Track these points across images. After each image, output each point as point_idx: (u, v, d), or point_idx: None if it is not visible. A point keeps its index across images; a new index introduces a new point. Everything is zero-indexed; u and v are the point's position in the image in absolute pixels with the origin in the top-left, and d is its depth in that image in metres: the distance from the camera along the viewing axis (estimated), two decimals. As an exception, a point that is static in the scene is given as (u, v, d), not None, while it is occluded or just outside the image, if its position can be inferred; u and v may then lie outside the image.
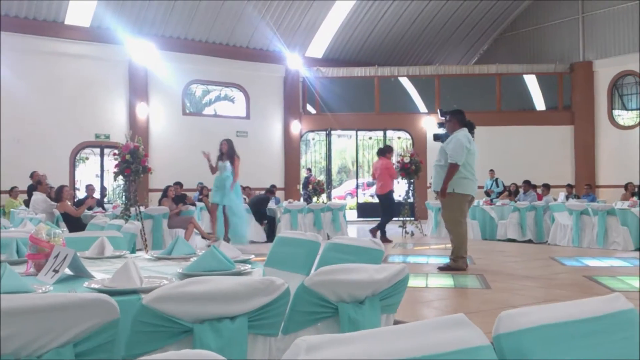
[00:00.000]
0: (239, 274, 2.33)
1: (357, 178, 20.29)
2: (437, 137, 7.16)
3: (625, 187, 12.78)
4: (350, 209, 18.93)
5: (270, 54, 17.30)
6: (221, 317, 1.63)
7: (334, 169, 24.13)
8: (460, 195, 6.43)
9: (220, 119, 16.91)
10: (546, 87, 18.22)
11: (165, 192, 10.23)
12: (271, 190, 12.13)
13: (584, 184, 15.34)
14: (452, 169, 6.39)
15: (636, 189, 12.49)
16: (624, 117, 17.22)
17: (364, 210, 18.75)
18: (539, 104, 18.42)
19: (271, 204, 11.65)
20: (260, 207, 11.16)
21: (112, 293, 1.75)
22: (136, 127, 14.54)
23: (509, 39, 19.88)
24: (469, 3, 18.51)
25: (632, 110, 17.12)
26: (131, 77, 15.30)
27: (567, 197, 11.72)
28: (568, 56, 18.10)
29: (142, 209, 8.58)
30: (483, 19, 19.43)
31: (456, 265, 6.43)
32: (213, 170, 9.01)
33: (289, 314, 1.90)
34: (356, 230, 14.58)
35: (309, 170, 17.32)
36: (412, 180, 12.29)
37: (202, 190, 13.20)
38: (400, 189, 12.74)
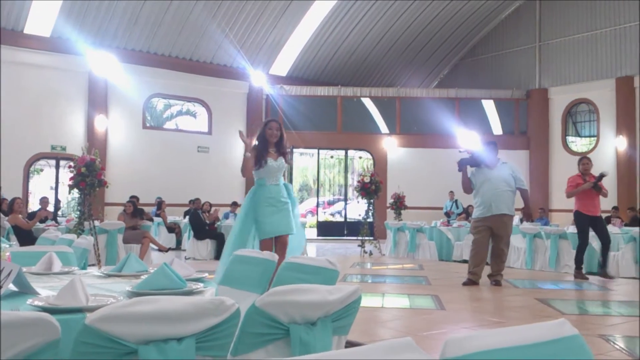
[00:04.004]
0: (190, 293, 2.29)
1: (317, 196, 20.32)
2: (465, 162, 7.35)
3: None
4: (310, 227, 18.92)
5: (234, 70, 17.28)
6: (168, 338, 1.59)
7: (296, 187, 24.14)
8: None
9: (182, 134, 16.75)
10: (503, 112, 18.70)
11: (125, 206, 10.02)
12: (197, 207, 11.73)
13: (538, 208, 15.74)
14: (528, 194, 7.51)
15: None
16: (577, 143, 17.80)
17: (324, 228, 18.77)
18: (497, 128, 18.87)
19: (230, 221, 11.54)
20: (199, 223, 10.91)
21: (56, 311, 1.69)
22: (94, 140, 14.27)
23: (468, 65, 20.37)
24: (431, 28, 18.93)
25: (585, 137, 17.71)
26: (91, 88, 15.04)
27: (521, 220, 11.98)
28: (525, 83, 18.65)
29: (97, 223, 8.38)
30: (444, 44, 19.89)
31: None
32: (248, 169, 5.20)
33: (239, 335, 1.87)
34: (316, 249, 14.57)
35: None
36: (371, 200, 12.39)
37: (160, 204, 13.00)
38: (360, 208, 12.83)
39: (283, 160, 5.28)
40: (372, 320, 4.79)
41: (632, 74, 16.13)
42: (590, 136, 17.45)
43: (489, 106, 18.73)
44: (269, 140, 5.24)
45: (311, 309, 1.95)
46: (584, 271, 8.04)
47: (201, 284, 2.51)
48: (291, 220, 5.17)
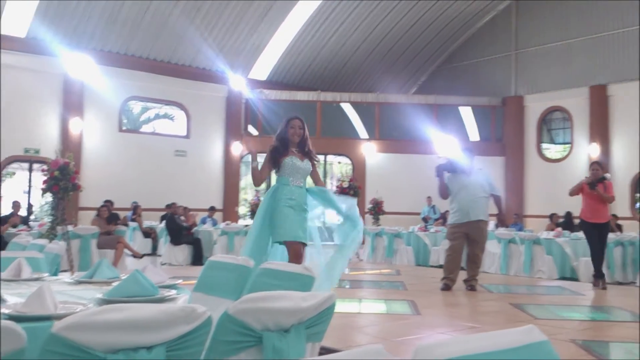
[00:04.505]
0: (162, 300, 2.27)
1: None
2: (443, 168, 7.33)
3: (550, 217, 13.34)
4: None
5: (213, 74, 17.20)
6: (137, 347, 1.57)
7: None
8: None
9: (159, 137, 16.61)
10: (480, 119, 18.91)
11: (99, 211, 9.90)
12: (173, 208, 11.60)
13: (513, 214, 15.93)
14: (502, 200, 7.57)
15: (559, 220, 13.06)
16: (552, 150, 18.06)
17: (302, 233, 18.73)
18: (474, 134, 19.07)
19: (207, 226, 11.47)
20: (176, 228, 10.80)
21: (22, 319, 1.66)
22: (69, 142, 14.06)
23: (446, 71, 20.57)
24: (410, 35, 19.07)
25: (559, 144, 17.98)
26: (66, 90, 14.83)
27: (496, 226, 12.11)
28: (501, 90, 18.88)
29: (70, 228, 8.25)
30: (423, 51, 20.06)
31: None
32: (257, 178, 4.74)
33: (211, 343, 1.85)
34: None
35: (258, 192, 17.24)
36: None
37: (136, 209, 12.85)
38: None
39: (309, 163, 4.75)
40: (348, 326, 4.79)
41: (606, 82, 16.44)
42: (564, 143, 17.72)
43: (466, 113, 18.92)
44: (290, 140, 4.72)
45: (284, 316, 1.94)
46: (606, 280, 7.84)
47: (174, 291, 2.49)
48: (307, 230, 4.61)
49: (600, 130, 16.35)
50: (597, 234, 7.73)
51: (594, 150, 16.33)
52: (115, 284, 2.47)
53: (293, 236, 4.50)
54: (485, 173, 7.48)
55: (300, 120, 4.80)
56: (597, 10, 16.76)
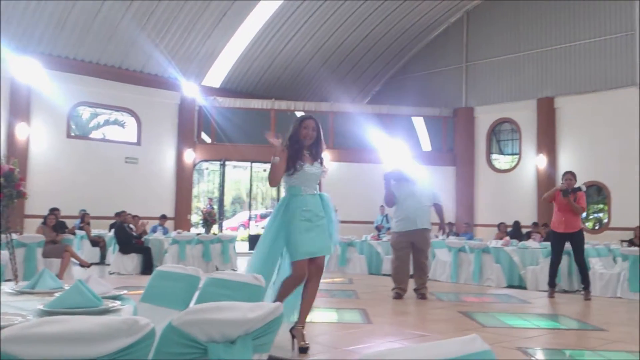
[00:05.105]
0: (106, 311, 2.21)
1: (250, 209, 20.19)
2: (390, 177, 7.30)
3: (499, 226, 13.69)
4: (242, 240, 18.74)
5: (166, 80, 16.95)
6: (77, 361, 1.52)
7: (228, 200, 23.89)
8: None
9: (109, 144, 16.24)
10: (432, 130, 19.28)
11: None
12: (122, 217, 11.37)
13: (463, 223, 16.26)
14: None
15: (508, 229, 13.41)
16: (501, 161, 18.55)
17: (256, 241, 18.54)
18: (425, 145, 19.41)
19: (158, 234, 11.26)
20: (125, 236, 10.58)
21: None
22: (14, 148, 13.60)
23: (399, 82, 20.89)
24: (364, 45, 19.30)
25: (507, 155, 18.49)
26: (12, 95, 14.33)
27: (447, 235, 12.33)
28: (452, 101, 19.30)
29: (15, 236, 7.95)
30: (376, 61, 20.33)
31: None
32: (277, 177, 4.32)
33: (155, 355, 1.82)
34: (247, 263, 14.42)
35: (211, 200, 17.08)
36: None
37: (84, 217, 12.51)
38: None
39: (320, 167, 4.37)
40: (299, 336, 4.77)
41: (553, 95, 17.02)
42: (512, 154, 18.23)
43: (418, 123, 19.24)
44: (303, 142, 4.31)
45: (231, 327, 1.92)
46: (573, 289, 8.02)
47: (118, 302, 2.43)
48: (328, 239, 4.28)
49: (547, 141, 16.90)
50: (564, 244, 7.78)
51: (541, 161, 16.86)
52: (57, 294, 2.40)
53: (313, 252, 4.17)
54: (429, 182, 7.62)
55: (314, 121, 4.37)
56: (545, 25, 17.37)
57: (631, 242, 11.56)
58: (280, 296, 4.15)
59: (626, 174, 15.11)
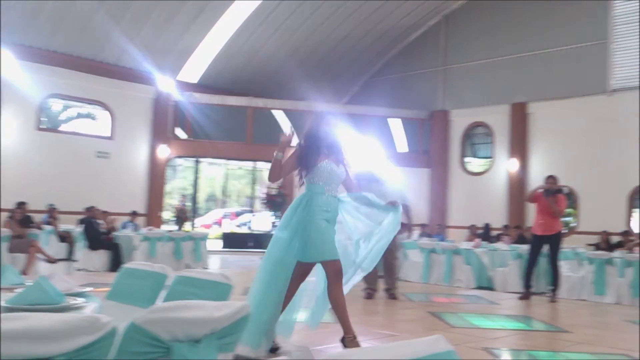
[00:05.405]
0: (68, 309, 2.17)
1: (224, 207, 20.05)
2: (361, 177, 7.22)
3: (470, 228, 13.85)
4: (215, 238, 18.61)
5: (140, 74, 16.72)
6: (35, 358, 1.49)
7: (203, 197, 23.70)
8: None
9: (80, 137, 15.96)
10: (409, 131, 19.41)
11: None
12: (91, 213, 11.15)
13: (436, 224, 16.41)
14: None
15: (478, 231, 13.58)
16: (474, 164, 18.76)
17: (229, 240, 18.51)
18: (402, 146, 19.53)
19: (128, 231, 11.12)
20: (94, 232, 10.42)
21: None
22: (-18, 140, 13.29)
23: (377, 83, 20.97)
24: (344, 46, 19.33)
25: (481, 158, 18.71)
26: (-19, 85, 14.01)
27: (420, 236, 12.44)
28: (429, 104, 19.45)
29: (-22, 229, 7.78)
30: (355, 62, 20.38)
31: None
32: (275, 173, 4.16)
33: (117, 354, 1.79)
34: (220, 261, 14.33)
35: (184, 197, 16.91)
36: (278, 213, 12.39)
37: (52, 212, 12.27)
38: (268, 220, 12.79)
39: (343, 169, 4.08)
40: (268, 335, 4.75)
41: (526, 100, 17.27)
42: (485, 157, 18.45)
43: (395, 124, 19.34)
44: (323, 140, 4.08)
45: (196, 326, 1.90)
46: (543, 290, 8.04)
47: (82, 299, 2.39)
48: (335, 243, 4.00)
49: (520, 146, 17.14)
50: (542, 246, 7.86)
51: (513, 166, 17.09)
52: (19, 290, 2.35)
53: (334, 254, 3.88)
54: (399, 183, 7.67)
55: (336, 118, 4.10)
56: (521, 32, 17.60)
57: (597, 247, 11.80)
58: (339, 308, 3.96)
59: (595, 179, 15.42)
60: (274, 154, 4.04)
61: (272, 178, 4.14)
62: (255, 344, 3.72)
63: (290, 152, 4.13)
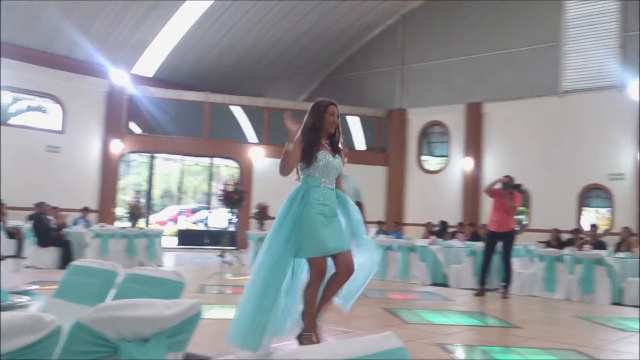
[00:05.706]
0: (11, 307, 2.09)
1: (180, 204, 19.76)
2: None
3: (425, 226, 14.05)
4: (170, 235, 18.33)
5: (93, 67, 16.28)
6: (-27, 360, 1.43)
7: (158, 193, 23.29)
8: None
9: (30, 131, 15.44)
10: (367, 129, 19.53)
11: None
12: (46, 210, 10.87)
13: (393, 222, 16.58)
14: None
15: (434, 229, 13.78)
16: (430, 162, 19.03)
17: (185, 237, 18.28)
18: (360, 144, 19.64)
19: (79, 227, 10.83)
20: (44, 228, 10.12)
21: None
22: None
23: (336, 81, 21.02)
24: (302, 43, 19.28)
25: (437, 156, 19.00)
26: None
27: (377, 233, 12.53)
28: (386, 102, 19.62)
29: None
30: (313, 59, 20.37)
31: None
32: (290, 166, 3.84)
33: (61, 354, 1.73)
34: (175, 258, 14.13)
35: (138, 193, 16.53)
36: (235, 210, 12.28)
37: (0, 207, 11.81)
38: (224, 217, 12.66)
39: (340, 160, 3.95)
40: (223, 333, 4.70)
41: (481, 100, 17.61)
42: (441, 156, 18.73)
43: (353, 122, 19.44)
44: (325, 129, 3.92)
45: (144, 325, 1.85)
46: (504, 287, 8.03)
47: (27, 297, 2.31)
48: (344, 236, 3.80)
49: (474, 145, 17.48)
50: (496, 243, 7.98)
51: (468, 164, 17.42)
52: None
53: (338, 247, 3.68)
54: (353, 179, 7.56)
55: (337, 107, 3.97)
56: (477, 33, 17.93)
57: (548, 244, 12.13)
58: (309, 305, 3.75)
59: (547, 178, 15.85)
60: (286, 145, 3.75)
61: (284, 171, 3.83)
62: (255, 347, 3.64)
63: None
